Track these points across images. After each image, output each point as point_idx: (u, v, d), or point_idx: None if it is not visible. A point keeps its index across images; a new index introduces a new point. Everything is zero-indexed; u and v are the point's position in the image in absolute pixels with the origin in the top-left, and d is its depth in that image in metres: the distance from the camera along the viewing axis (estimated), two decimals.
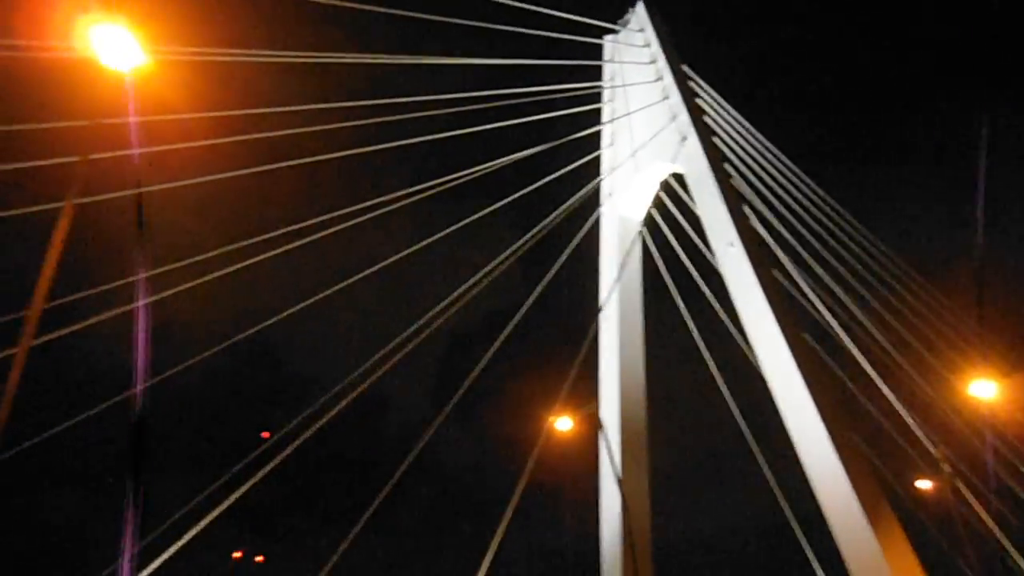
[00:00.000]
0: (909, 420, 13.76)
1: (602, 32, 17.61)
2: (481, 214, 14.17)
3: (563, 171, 15.66)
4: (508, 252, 13.94)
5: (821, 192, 15.83)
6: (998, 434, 15.04)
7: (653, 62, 16.48)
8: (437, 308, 13.03)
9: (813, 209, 15.53)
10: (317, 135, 11.91)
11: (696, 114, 15.35)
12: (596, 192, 16.74)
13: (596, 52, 17.57)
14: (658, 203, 16.49)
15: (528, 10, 14.11)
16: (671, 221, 15.82)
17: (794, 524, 13.72)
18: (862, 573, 10.86)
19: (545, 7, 14.45)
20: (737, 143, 15.48)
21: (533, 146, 14.71)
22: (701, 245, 14.75)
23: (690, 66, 16.48)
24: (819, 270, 14.87)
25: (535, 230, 14.45)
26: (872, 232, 16.07)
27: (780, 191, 15.38)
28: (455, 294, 13.24)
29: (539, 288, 14.07)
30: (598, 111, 17.42)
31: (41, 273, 7.09)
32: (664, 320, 16.75)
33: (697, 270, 15.04)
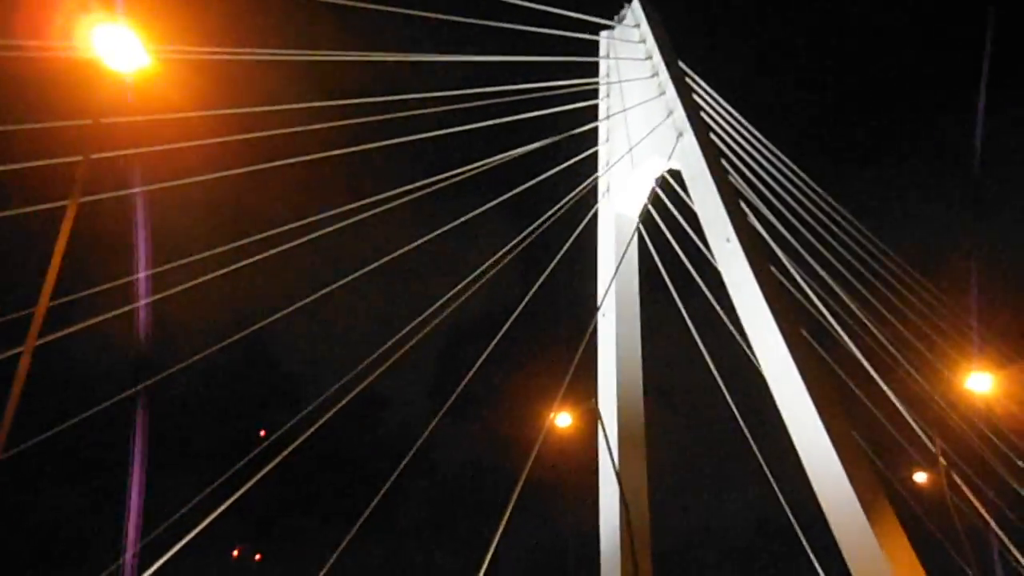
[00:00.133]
0: (906, 413, 13.83)
1: (598, 28, 17.64)
2: (478, 211, 14.19)
3: (560, 168, 15.69)
4: (505, 249, 13.98)
5: (817, 188, 15.90)
6: (994, 428, 15.13)
7: (649, 58, 16.48)
8: (435, 306, 13.06)
9: (809, 205, 15.60)
10: (317, 133, 11.90)
11: (692, 110, 15.35)
12: (593, 188, 16.78)
13: (592, 48, 17.59)
14: (655, 199, 16.52)
15: (524, 7, 14.10)
16: (668, 217, 15.87)
17: (791, 517, 13.80)
18: (859, 564, 10.91)
19: (541, 3, 14.44)
20: (734, 139, 15.52)
21: (530, 143, 14.72)
22: (698, 241, 14.80)
23: (686, 62, 16.50)
24: (815, 265, 14.94)
25: (532, 227, 14.49)
26: (868, 228, 16.17)
27: (776, 187, 15.44)
28: (452, 291, 13.28)
29: (536, 285, 14.12)
30: (595, 107, 17.45)
31: (47, 275, 7.09)
32: (661, 315, 16.84)
33: (694, 266, 15.10)
